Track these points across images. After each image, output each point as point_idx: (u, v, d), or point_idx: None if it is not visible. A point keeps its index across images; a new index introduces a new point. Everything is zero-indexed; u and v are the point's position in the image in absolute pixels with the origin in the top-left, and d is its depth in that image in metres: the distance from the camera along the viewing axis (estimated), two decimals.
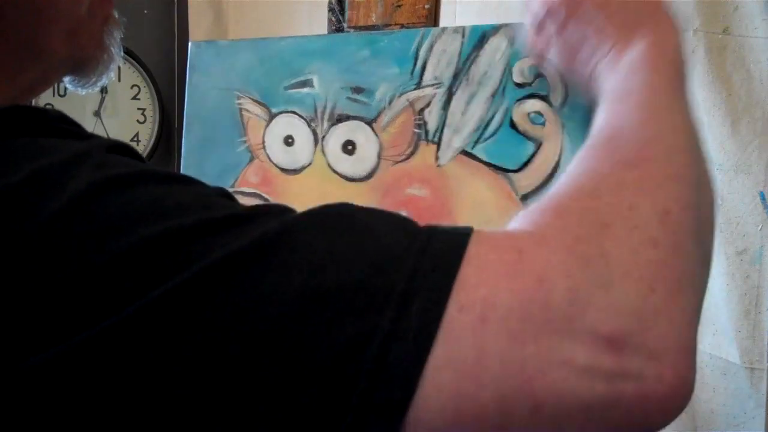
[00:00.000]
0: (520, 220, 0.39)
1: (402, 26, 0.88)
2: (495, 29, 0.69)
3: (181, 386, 0.34)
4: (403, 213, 0.70)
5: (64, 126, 0.42)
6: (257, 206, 0.40)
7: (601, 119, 0.49)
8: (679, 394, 0.35)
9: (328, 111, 0.74)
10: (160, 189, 0.38)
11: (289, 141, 0.76)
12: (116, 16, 0.55)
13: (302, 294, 0.35)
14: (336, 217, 0.38)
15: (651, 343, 0.34)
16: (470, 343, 0.34)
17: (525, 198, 0.67)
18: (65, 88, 0.57)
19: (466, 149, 0.69)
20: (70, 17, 0.50)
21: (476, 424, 0.35)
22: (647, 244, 0.37)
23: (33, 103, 1.43)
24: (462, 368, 0.34)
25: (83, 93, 0.58)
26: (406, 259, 0.35)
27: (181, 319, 0.34)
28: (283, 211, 0.39)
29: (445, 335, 0.34)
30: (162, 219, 0.36)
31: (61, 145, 0.39)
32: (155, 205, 0.37)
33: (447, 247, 0.36)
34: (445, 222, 0.69)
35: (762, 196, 1.08)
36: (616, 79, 0.53)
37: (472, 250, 0.36)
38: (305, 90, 0.75)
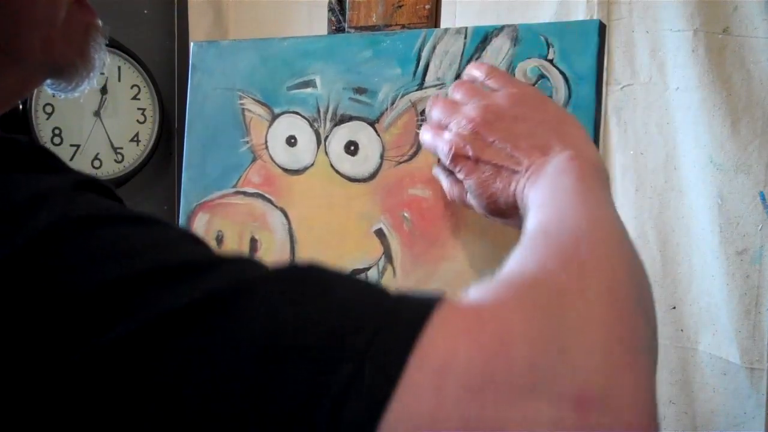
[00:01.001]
0: (474, 293, 0.40)
1: (403, 26, 0.88)
2: (497, 30, 0.69)
3: None
4: (406, 214, 0.71)
5: (35, 158, 0.41)
6: (222, 257, 0.39)
7: (533, 218, 0.51)
8: None
9: (330, 111, 0.74)
10: (121, 231, 0.38)
11: (291, 141, 0.76)
12: (101, 24, 0.55)
13: (256, 350, 0.34)
14: (300, 279, 0.38)
15: (615, 400, 0.35)
16: (428, 400, 0.34)
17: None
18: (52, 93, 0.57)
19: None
20: (46, 24, 0.50)
21: None
22: (601, 308, 0.38)
23: (32, 104, 1.43)
24: (419, 424, 0.34)
25: (62, 97, 0.58)
26: (370, 320, 0.35)
27: (133, 366, 0.34)
28: (248, 263, 0.39)
29: (403, 392, 0.34)
30: (119, 263, 0.36)
31: (28, 180, 0.39)
32: (114, 249, 0.36)
33: (412, 310, 0.36)
34: (448, 222, 0.69)
35: (762, 196, 1.08)
36: (541, 189, 0.54)
37: (436, 314, 0.36)
38: (308, 90, 0.75)
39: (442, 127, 0.62)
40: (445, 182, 0.65)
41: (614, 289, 0.40)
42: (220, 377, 0.34)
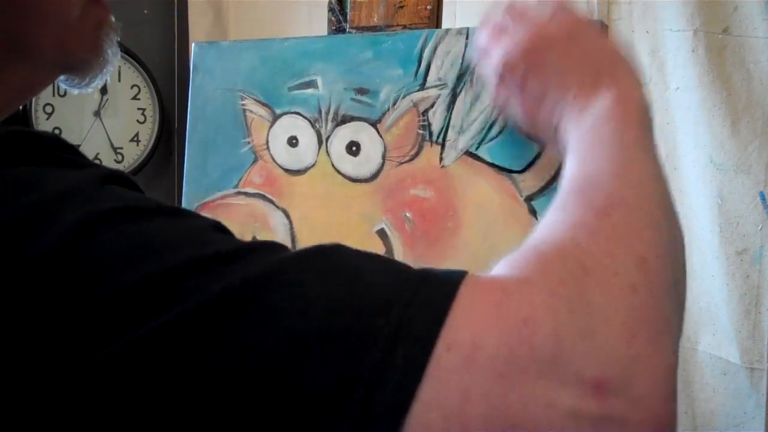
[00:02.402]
0: (502, 266, 0.40)
1: (404, 27, 0.88)
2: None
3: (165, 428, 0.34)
4: (408, 214, 0.71)
5: (58, 153, 0.41)
6: (250, 244, 0.39)
7: (571, 170, 0.50)
8: None
9: (332, 112, 0.74)
10: (150, 225, 0.38)
11: (293, 142, 0.76)
12: (113, 20, 0.55)
13: (289, 337, 0.34)
14: (327, 259, 0.38)
15: (635, 389, 0.35)
16: (457, 384, 0.34)
17: (529, 199, 0.67)
18: (65, 89, 0.58)
19: (470, 150, 0.69)
20: (59, 20, 0.50)
21: None
22: (627, 290, 0.38)
23: (32, 104, 1.43)
24: (448, 410, 0.34)
25: (76, 93, 0.58)
26: (396, 302, 0.35)
27: (169, 358, 0.34)
28: (275, 248, 0.39)
29: (431, 377, 0.34)
30: (151, 258, 0.36)
31: (54, 176, 0.39)
32: (145, 243, 0.37)
33: (437, 290, 0.36)
34: (450, 223, 0.69)
35: (762, 196, 1.09)
36: (583, 131, 0.53)
37: (461, 293, 0.36)
38: (309, 91, 0.75)
39: (499, 34, 0.61)
40: (493, 84, 0.63)
41: (645, 269, 0.39)
42: (255, 364, 0.34)
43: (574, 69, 0.56)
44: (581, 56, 0.57)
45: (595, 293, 0.37)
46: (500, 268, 0.40)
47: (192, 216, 0.41)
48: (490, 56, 0.61)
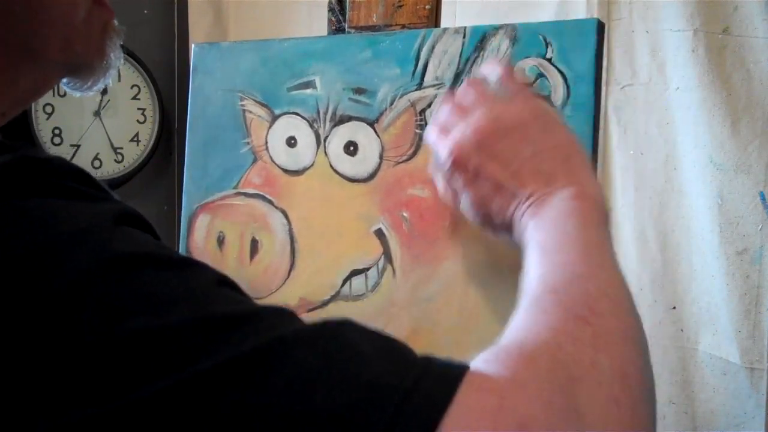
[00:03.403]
0: (490, 362, 0.39)
1: (403, 26, 0.88)
2: (495, 30, 0.69)
3: None
4: (405, 214, 0.71)
5: (71, 183, 0.41)
6: (257, 310, 0.39)
7: (541, 266, 0.50)
8: None
9: (330, 112, 0.74)
10: (160, 275, 0.38)
11: (291, 142, 0.76)
12: (116, 23, 0.55)
13: (287, 416, 0.34)
14: (332, 338, 0.38)
15: None
16: None
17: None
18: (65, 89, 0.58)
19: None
20: (66, 24, 0.50)
21: None
22: (611, 403, 0.38)
23: (32, 104, 1.42)
24: None
25: (78, 95, 0.58)
26: (394, 394, 0.35)
27: (166, 421, 0.34)
28: (283, 315, 0.39)
29: None
30: (158, 313, 0.36)
31: (66, 212, 0.39)
32: (154, 296, 0.37)
33: (438, 385, 0.36)
34: (447, 222, 0.69)
35: (762, 196, 1.08)
36: (544, 227, 0.53)
37: (461, 391, 0.36)
38: (308, 91, 0.75)
39: (447, 130, 0.59)
40: (440, 184, 0.63)
41: (627, 383, 0.40)
42: None
43: (528, 166, 0.55)
44: (533, 154, 0.56)
45: (583, 403, 0.37)
46: (487, 362, 0.39)
47: (203, 269, 0.41)
48: (439, 149, 0.59)
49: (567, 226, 0.51)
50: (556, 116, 0.61)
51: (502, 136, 0.57)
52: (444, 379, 0.36)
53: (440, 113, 0.62)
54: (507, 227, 0.57)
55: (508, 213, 0.56)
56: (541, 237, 0.52)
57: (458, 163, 0.58)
